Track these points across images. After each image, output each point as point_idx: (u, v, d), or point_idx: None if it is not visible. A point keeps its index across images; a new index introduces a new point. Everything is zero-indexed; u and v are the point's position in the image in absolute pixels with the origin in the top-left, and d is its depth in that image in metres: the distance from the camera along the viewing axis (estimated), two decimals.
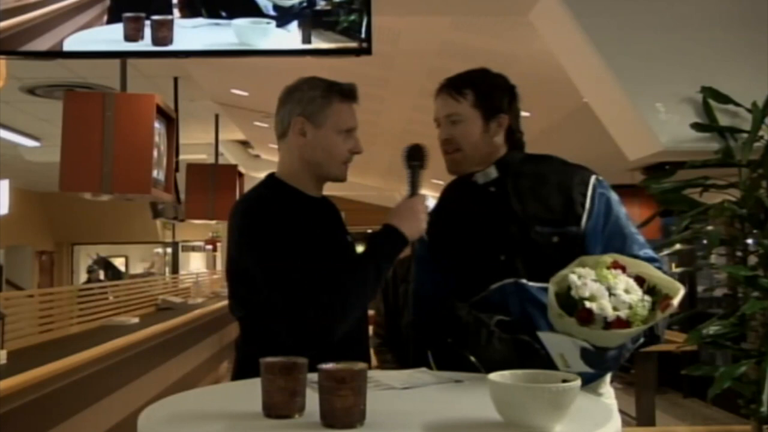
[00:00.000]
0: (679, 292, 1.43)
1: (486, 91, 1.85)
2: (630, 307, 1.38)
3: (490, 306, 1.79)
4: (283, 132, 1.82)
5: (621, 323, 1.38)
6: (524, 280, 1.77)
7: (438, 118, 1.89)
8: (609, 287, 1.40)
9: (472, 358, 1.73)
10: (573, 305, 1.41)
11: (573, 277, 1.43)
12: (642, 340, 1.61)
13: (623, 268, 1.45)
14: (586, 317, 1.39)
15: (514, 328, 1.75)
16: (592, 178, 1.82)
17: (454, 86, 1.86)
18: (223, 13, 2.39)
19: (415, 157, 1.83)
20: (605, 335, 1.40)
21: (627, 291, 1.41)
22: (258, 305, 1.72)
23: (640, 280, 1.44)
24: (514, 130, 1.89)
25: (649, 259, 1.79)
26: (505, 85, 1.89)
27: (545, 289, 1.76)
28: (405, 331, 1.94)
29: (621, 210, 1.82)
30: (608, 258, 1.48)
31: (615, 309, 1.38)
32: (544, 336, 1.52)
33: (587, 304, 1.39)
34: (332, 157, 1.80)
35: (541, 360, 1.50)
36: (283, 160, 1.85)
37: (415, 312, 1.92)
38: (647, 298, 1.41)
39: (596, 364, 1.46)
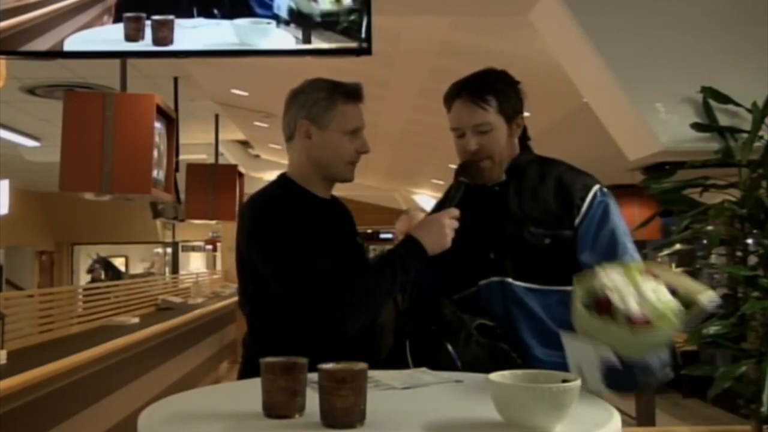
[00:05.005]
0: (707, 293, 1.34)
1: (506, 95, 1.83)
2: (657, 309, 1.29)
3: (476, 304, 1.80)
4: (290, 135, 1.85)
5: (645, 322, 1.28)
6: (510, 279, 1.77)
7: (461, 128, 1.84)
8: (635, 284, 1.32)
9: (449, 347, 1.73)
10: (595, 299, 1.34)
11: (597, 269, 1.37)
12: (667, 365, 1.52)
13: (655, 276, 1.36)
14: (605, 305, 1.31)
15: (496, 333, 1.75)
16: (596, 186, 1.82)
17: (477, 94, 1.81)
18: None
19: (465, 174, 1.82)
20: (628, 338, 1.30)
21: (655, 292, 1.31)
22: (265, 301, 1.74)
23: (672, 291, 1.34)
24: (525, 128, 1.89)
25: None
26: (514, 84, 1.88)
27: (531, 290, 1.77)
28: (400, 319, 1.95)
29: (620, 222, 1.80)
30: (640, 264, 1.41)
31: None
32: (565, 339, 1.44)
33: (608, 293, 1.31)
34: (339, 157, 1.81)
35: (517, 369, 1.50)
36: (292, 162, 1.87)
37: (411, 300, 1.93)
38: (676, 303, 1.32)
39: (615, 382, 1.36)
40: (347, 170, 1.84)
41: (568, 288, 1.78)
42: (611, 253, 1.77)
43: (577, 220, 1.78)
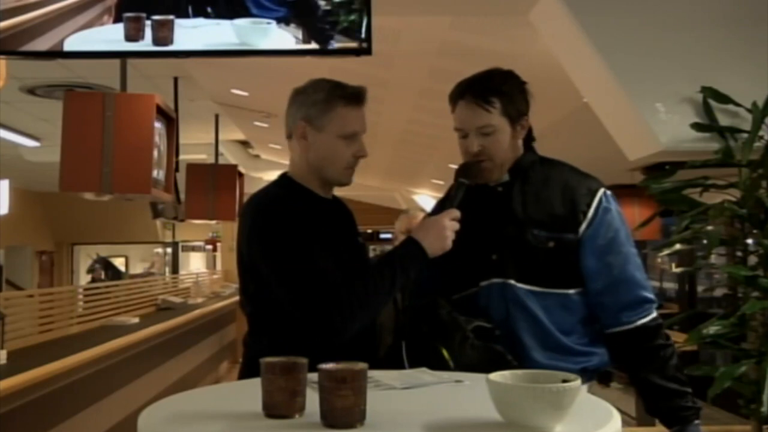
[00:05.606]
0: None
1: (510, 96, 1.82)
2: None
3: (476, 305, 1.80)
4: (289, 134, 1.84)
5: None
6: (512, 281, 1.77)
7: (463, 129, 1.84)
8: None
9: (444, 352, 1.73)
10: None
11: None
12: None
13: None
14: None
15: (493, 335, 1.75)
16: (601, 190, 1.81)
17: (481, 96, 1.80)
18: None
19: (466, 175, 1.81)
20: None
21: None
22: (266, 302, 1.73)
23: None
24: (531, 129, 1.88)
25: (642, 300, 1.77)
26: (521, 85, 1.87)
27: (533, 293, 1.77)
28: (401, 317, 1.94)
29: (622, 228, 1.80)
30: None
31: None
32: None
33: None
34: (334, 161, 1.79)
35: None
36: (293, 161, 1.87)
37: (411, 299, 1.93)
38: None
39: None
40: (343, 174, 1.82)
41: (570, 291, 1.79)
42: (613, 260, 1.77)
43: (583, 226, 1.78)
